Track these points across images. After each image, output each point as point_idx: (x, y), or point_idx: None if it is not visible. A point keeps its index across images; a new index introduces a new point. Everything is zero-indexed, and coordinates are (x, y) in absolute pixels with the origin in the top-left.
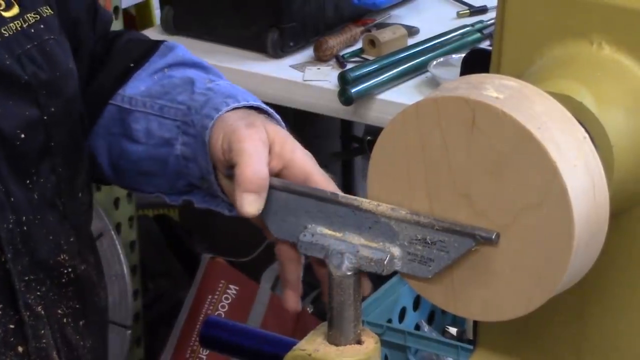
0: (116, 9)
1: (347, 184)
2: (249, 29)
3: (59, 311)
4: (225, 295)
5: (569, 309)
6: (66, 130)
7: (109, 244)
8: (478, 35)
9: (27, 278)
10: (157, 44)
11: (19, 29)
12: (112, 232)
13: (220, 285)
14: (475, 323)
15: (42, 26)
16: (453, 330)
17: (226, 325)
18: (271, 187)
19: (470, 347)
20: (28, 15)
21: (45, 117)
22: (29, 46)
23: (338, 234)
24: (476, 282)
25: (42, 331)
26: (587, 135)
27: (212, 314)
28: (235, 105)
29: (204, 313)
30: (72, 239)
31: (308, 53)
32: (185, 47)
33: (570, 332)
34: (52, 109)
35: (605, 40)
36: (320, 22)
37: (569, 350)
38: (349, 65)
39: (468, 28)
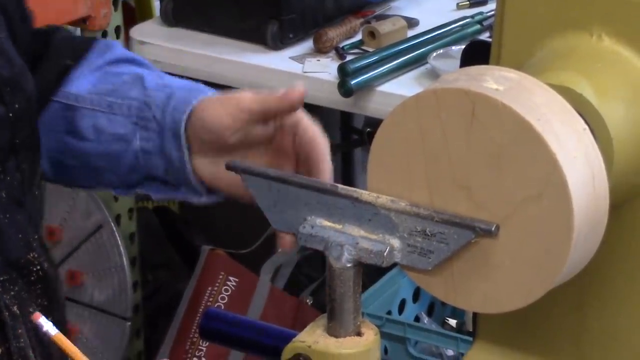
0: (116, 0)
1: (347, 175)
2: (249, 21)
3: (30, 309)
4: (224, 287)
5: (569, 300)
6: (28, 127)
7: (109, 236)
8: (478, 26)
9: (1, 278)
10: (92, 41)
11: None
12: (112, 224)
13: (220, 277)
14: (475, 315)
15: None
16: (453, 322)
17: (226, 317)
18: (270, 179)
19: (470, 338)
20: None
21: (10, 114)
22: None
23: (338, 226)
24: (476, 274)
25: (20, 330)
26: (586, 126)
27: (212, 306)
28: (203, 96)
29: (204, 305)
30: (36, 236)
31: (308, 45)
32: (185, 38)
33: (570, 323)
34: (16, 106)
35: (605, 32)
36: (319, 14)
37: (569, 341)
38: (349, 57)
39: (468, 20)
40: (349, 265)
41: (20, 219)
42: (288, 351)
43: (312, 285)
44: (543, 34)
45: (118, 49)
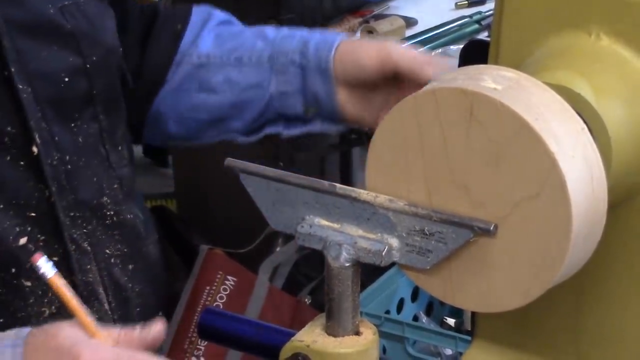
0: None
1: (345, 175)
2: (247, 21)
3: (107, 251)
4: (223, 287)
5: (567, 300)
6: (106, 81)
7: None
8: (476, 26)
9: (72, 214)
10: (190, 7)
11: None
12: None
13: (218, 276)
14: (474, 314)
15: None
16: (451, 322)
17: (224, 316)
18: (268, 179)
19: (469, 338)
20: None
21: (87, 66)
22: (67, 2)
23: (336, 225)
24: (474, 273)
25: (89, 266)
26: (585, 126)
27: (210, 305)
28: (343, 37)
29: (202, 304)
30: (115, 186)
31: None
32: None
33: (569, 323)
34: (94, 58)
35: (603, 31)
36: (318, 14)
37: (567, 341)
38: None
39: (466, 19)
40: (347, 264)
41: (96, 165)
42: (286, 350)
43: (311, 284)
44: (541, 33)
45: (216, 11)
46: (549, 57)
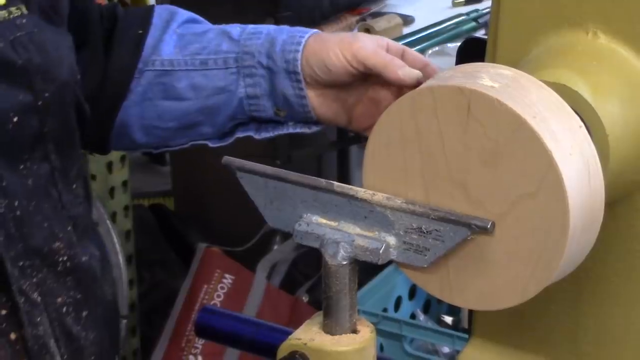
0: None
1: (343, 173)
2: (245, 18)
3: (59, 300)
4: (220, 285)
5: (565, 298)
6: (59, 117)
7: (105, 234)
8: (473, 24)
9: (21, 264)
10: (151, 8)
11: (7, 18)
12: (108, 222)
13: (216, 274)
14: (471, 312)
15: (24, 21)
16: (449, 320)
17: (222, 315)
18: (266, 177)
19: (466, 336)
20: (12, 8)
21: (39, 103)
22: (19, 34)
23: (333, 223)
24: (472, 271)
25: (39, 318)
26: (582, 124)
27: (208, 303)
28: (310, 34)
29: (200, 302)
30: (69, 229)
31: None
32: None
33: (566, 320)
34: (46, 94)
35: (600, 29)
36: (316, 11)
37: (565, 339)
38: None
39: (463, 17)
40: (344, 262)
41: (46, 209)
42: (284, 349)
43: (308, 282)
44: (538, 31)
45: (179, 10)
46: (547, 55)
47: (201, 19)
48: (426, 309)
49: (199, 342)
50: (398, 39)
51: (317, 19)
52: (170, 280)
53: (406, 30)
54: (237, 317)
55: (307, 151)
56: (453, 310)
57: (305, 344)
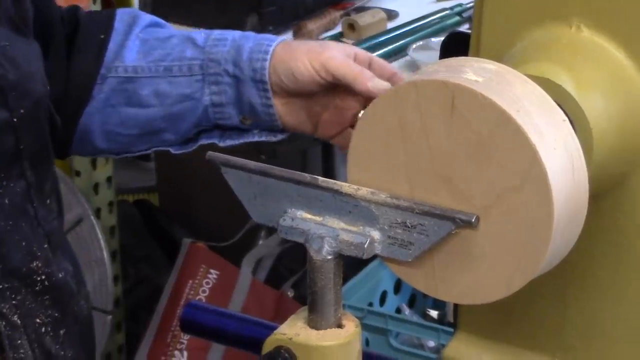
0: None
1: (327, 168)
2: (229, 13)
3: (37, 320)
4: (206, 280)
5: (551, 291)
6: (34, 134)
7: (89, 230)
8: (457, 18)
9: (0, 287)
10: (112, 12)
11: None
12: (92, 218)
13: (201, 270)
14: (456, 306)
15: None
16: (434, 314)
17: (207, 310)
18: (250, 172)
19: (451, 330)
20: None
21: (14, 120)
22: None
23: (318, 218)
24: (457, 265)
25: (19, 341)
26: (566, 118)
27: (193, 298)
28: (277, 42)
29: (185, 298)
30: (45, 246)
31: (288, 37)
32: None
33: (552, 314)
34: (22, 111)
35: (584, 23)
36: (299, 6)
37: (551, 332)
38: None
39: (447, 11)
40: (329, 257)
41: (24, 227)
42: (269, 344)
43: (293, 277)
44: (522, 25)
45: (142, 14)
46: (530, 49)
47: (164, 22)
48: (411, 303)
49: (185, 338)
50: (382, 33)
51: (300, 13)
52: (155, 275)
53: (390, 24)
54: (222, 312)
55: (291, 146)
56: (438, 305)
57: (291, 338)
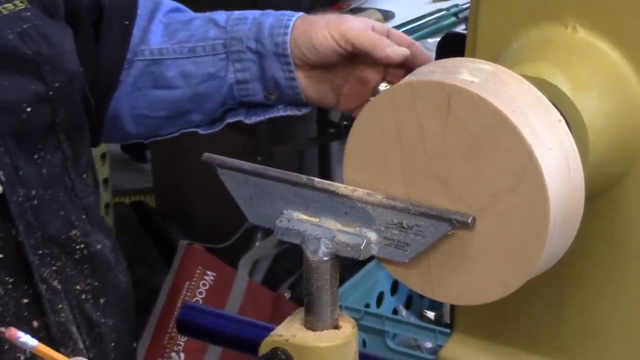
0: None
1: (324, 169)
2: None
3: (77, 287)
4: (202, 282)
5: (547, 292)
6: (69, 107)
7: None
8: (453, 19)
9: (41, 252)
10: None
11: (12, 10)
12: None
13: (198, 271)
14: (453, 307)
15: (29, 13)
16: (431, 315)
17: (203, 311)
18: (246, 173)
19: (448, 330)
20: (15, 1)
21: (50, 92)
22: (25, 26)
23: (314, 219)
24: (453, 266)
25: (60, 305)
26: (562, 118)
27: (190, 300)
28: (297, 16)
29: (182, 300)
30: (83, 217)
31: None
32: None
33: (548, 315)
34: (57, 85)
35: (579, 23)
36: (295, 8)
37: (547, 333)
38: None
39: (443, 12)
40: (325, 258)
41: (62, 197)
42: (265, 345)
43: (290, 279)
44: (518, 25)
45: (164, 0)
46: (526, 50)
47: (185, 8)
48: (408, 305)
49: (182, 339)
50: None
51: None
52: (151, 277)
53: (386, 25)
54: (219, 314)
55: (287, 147)
56: (435, 306)
57: (287, 340)
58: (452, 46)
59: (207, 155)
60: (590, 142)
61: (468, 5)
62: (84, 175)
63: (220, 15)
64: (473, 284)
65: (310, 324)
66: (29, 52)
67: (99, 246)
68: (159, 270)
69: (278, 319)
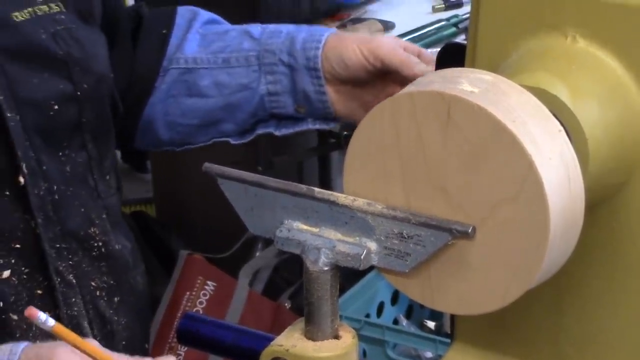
0: None
1: (324, 179)
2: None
3: (92, 283)
4: (203, 292)
5: (547, 301)
6: (96, 109)
7: None
8: (453, 29)
9: (58, 246)
10: (174, 9)
11: (47, 12)
12: None
13: (198, 281)
14: (453, 317)
15: (63, 17)
16: (431, 324)
17: (204, 321)
18: (246, 183)
19: (448, 340)
20: (51, 4)
21: (78, 93)
22: (58, 28)
23: (314, 229)
24: (453, 276)
25: (73, 299)
26: (562, 128)
27: (190, 310)
28: (329, 32)
29: (182, 309)
30: (103, 216)
31: None
32: None
33: (548, 324)
34: (85, 86)
35: (579, 33)
36: (296, 17)
37: (547, 342)
38: None
39: (443, 22)
40: (326, 268)
41: (83, 195)
42: (266, 355)
43: (291, 289)
44: (518, 35)
45: (201, 11)
46: (526, 60)
47: (221, 19)
48: (409, 314)
49: (182, 349)
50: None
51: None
52: (152, 287)
53: (387, 35)
54: (219, 324)
55: (288, 157)
56: (435, 315)
57: (287, 350)
58: (452, 56)
59: (207, 165)
60: (590, 152)
61: (468, 15)
62: (107, 177)
63: (255, 28)
64: (473, 294)
65: (311, 334)
66: (60, 52)
67: (117, 246)
68: (159, 280)
69: (278, 329)
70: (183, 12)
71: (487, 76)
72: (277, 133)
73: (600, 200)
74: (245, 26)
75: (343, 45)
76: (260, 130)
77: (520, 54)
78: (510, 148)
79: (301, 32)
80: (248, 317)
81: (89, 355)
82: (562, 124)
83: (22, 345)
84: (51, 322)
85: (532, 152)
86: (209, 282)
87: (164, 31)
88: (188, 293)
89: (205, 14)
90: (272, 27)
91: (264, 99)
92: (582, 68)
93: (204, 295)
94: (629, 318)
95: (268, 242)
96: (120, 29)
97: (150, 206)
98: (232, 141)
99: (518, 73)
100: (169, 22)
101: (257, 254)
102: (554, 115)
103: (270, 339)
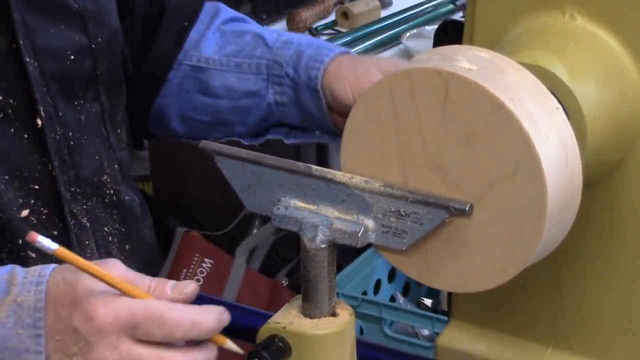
0: None
1: (321, 157)
2: (222, 2)
3: (105, 229)
4: (200, 269)
5: (544, 279)
6: (109, 62)
7: None
8: (451, 6)
9: (72, 189)
10: (200, 2)
11: None
12: None
13: (195, 258)
14: (450, 294)
15: None
16: (428, 302)
17: (201, 298)
18: (244, 160)
19: (445, 318)
20: None
21: (93, 46)
22: None
23: (312, 207)
24: (450, 254)
25: (87, 242)
26: (559, 105)
27: None
28: (334, 55)
29: None
30: (115, 166)
31: (281, 25)
32: None
33: (545, 302)
34: (99, 39)
35: (577, 10)
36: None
37: (544, 320)
38: (322, 38)
39: None
40: (323, 246)
41: (97, 143)
42: (263, 332)
43: (288, 266)
44: (516, 13)
45: (224, 7)
46: (524, 37)
47: (243, 16)
48: (405, 292)
49: None
50: (376, 21)
51: (294, 2)
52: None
53: (384, 13)
54: (216, 301)
55: None
56: (432, 293)
57: (285, 327)
58: (450, 33)
59: (204, 142)
60: (588, 130)
61: None
62: (119, 131)
63: (271, 34)
64: (470, 272)
65: (308, 312)
66: (75, 6)
67: (127, 197)
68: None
69: (276, 306)
70: (208, 7)
71: (485, 53)
72: (286, 141)
73: (598, 178)
74: (262, 30)
75: (337, 80)
76: (271, 136)
77: (518, 31)
78: (507, 125)
79: (310, 47)
80: (245, 294)
81: (105, 281)
82: (559, 102)
83: (50, 268)
84: (54, 246)
85: (529, 129)
86: (206, 260)
87: (185, 24)
88: (185, 270)
89: (228, 12)
90: (286, 35)
91: (272, 108)
92: (580, 46)
93: (201, 272)
94: (626, 296)
95: (265, 220)
96: (136, 13)
97: (147, 184)
98: (244, 142)
99: (516, 51)
100: (192, 15)
101: (254, 231)
102: (552, 92)
103: (268, 316)
